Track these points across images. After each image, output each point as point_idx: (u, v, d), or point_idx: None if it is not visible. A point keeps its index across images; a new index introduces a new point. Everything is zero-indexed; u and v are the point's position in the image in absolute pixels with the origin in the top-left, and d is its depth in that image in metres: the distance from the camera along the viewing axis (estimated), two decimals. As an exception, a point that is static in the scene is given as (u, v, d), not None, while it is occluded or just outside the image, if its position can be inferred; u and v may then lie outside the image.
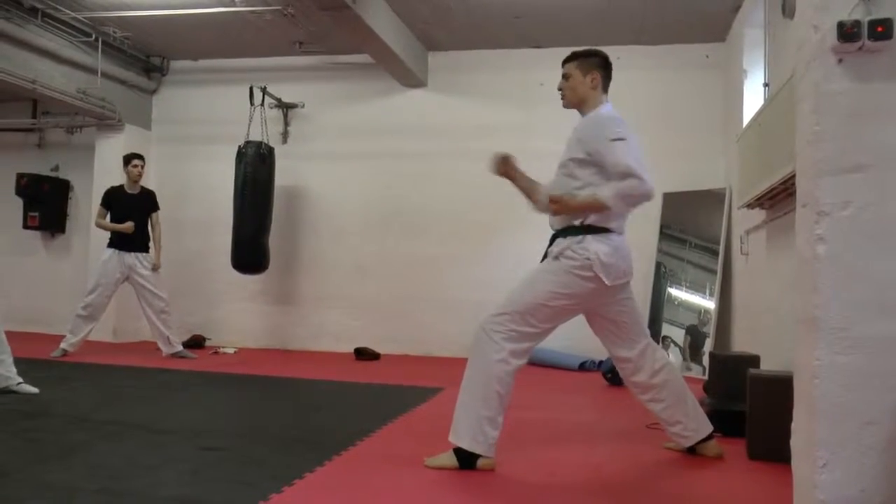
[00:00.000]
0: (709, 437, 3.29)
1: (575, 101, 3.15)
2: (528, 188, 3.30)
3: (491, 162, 3.30)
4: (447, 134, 7.16)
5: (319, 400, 4.84)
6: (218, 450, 3.22)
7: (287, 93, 7.52)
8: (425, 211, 7.30)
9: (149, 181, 6.73)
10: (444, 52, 7.38)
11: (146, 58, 7.79)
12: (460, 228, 7.22)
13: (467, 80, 7.32)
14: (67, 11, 6.51)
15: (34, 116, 8.20)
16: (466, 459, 2.96)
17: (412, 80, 7.24)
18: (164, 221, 6.61)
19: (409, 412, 4.24)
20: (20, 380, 4.40)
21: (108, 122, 7.51)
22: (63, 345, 6.18)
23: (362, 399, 4.85)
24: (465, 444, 2.95)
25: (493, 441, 2.96)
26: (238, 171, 6.85)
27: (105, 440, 3.37)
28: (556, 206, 3.03)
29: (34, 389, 4.39)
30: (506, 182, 3.36)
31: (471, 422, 2.95)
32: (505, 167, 3.29)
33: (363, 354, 6.88)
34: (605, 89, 3.18)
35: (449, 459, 2.99)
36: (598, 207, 2.93)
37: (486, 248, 7.11)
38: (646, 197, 2.89)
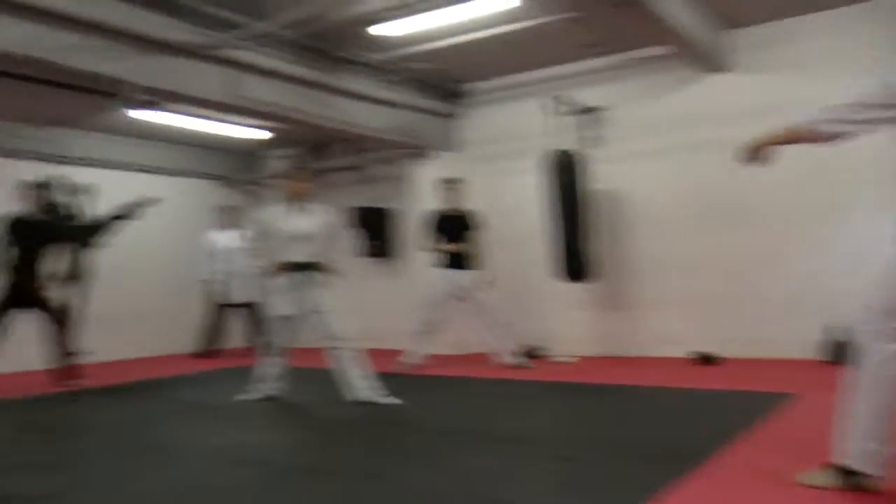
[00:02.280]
0: None
1: None
2: (794, 136, 2.94)
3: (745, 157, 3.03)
4: (761, 116, 6.45)
5: (661, 408, 4.68)
6: (574, 460, 3.25)
7: (584, 97, 7.49)
8: (746, 202, 6.76)
9: (464, 200, 7.09)
10: (749, 27, 6.81)
11: (446, 85, 8.27)
12: (790, 217, 6.56)
13: (779, 54, 6.66)
14: (374, 55, 7.13)
15: (356, 154, 9.15)
16: (849, 478, 2.64)
17: (714, 64, 6.79)
18: (483, 237, 6.92)
19: (761, 421, 3.92)
20: (379, 392, 4.88)
21: (419, 152, 8.11)
22: (405, 358, 6.76)
23: (706, 407, 4.59)
24: (849, 461, 2.63)
25: (881, 458, 2.60)
26: (547, 182, 6.97)
27: (466, 448, 3.58)
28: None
29: (393, 401, 4.83)
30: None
31: (853, 435, 2.62)
32: (759, 156, 3.02)
33: (701, 358, 6.55)
34: None
35: (828, 478, 2.69)
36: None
37: (823, 236, 6.37)
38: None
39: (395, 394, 4.92)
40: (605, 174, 7.30)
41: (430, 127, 8.11)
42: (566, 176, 6.91)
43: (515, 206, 7.96)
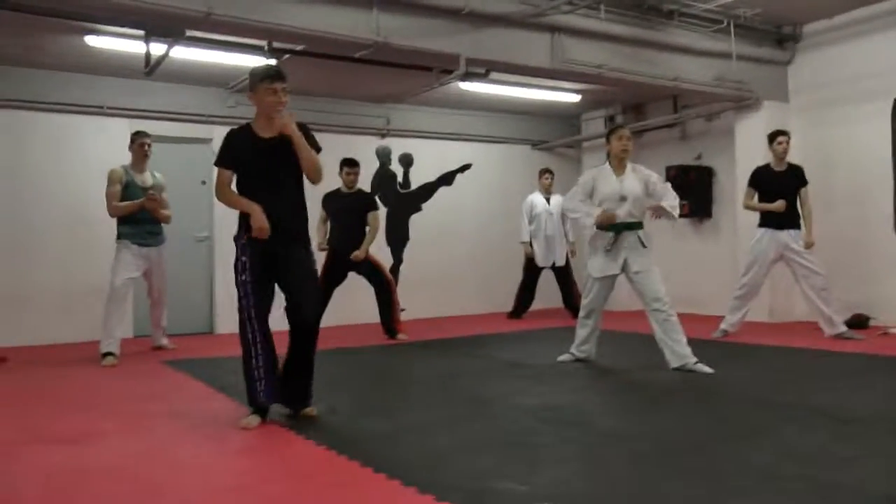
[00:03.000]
0: None
1: None
2: None
3: None
4: None
5: None
6: (927, 448, 2.83)
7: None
8: None
9: (792, 154, 6.45)
10: None
11: (777, 29, 7.55)
12: None
13: None
14: (699, 5, 6.74)
15: (675, 111, 8.79)
16: None
17: None
18: (811, 194, 6.27)
19: None
20: (696, 359, 4.70)
21: (745, 104, 7.54)
22: (723, 325, 6.40)
23: None
24: None
25: None
26: (895, 128, 6.07)
27: (790, 424, 3.31)
28: None
29: (709, 369, 4.62)
30: None
31: None
32: None
33: None
34: None
35: None
36: None
37: None
38: None
39: (708, 362, 4.71)
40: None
41: (759, 76, 7.47)
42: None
43: (852, 158, 7.11)
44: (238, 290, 3.56)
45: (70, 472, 2.83)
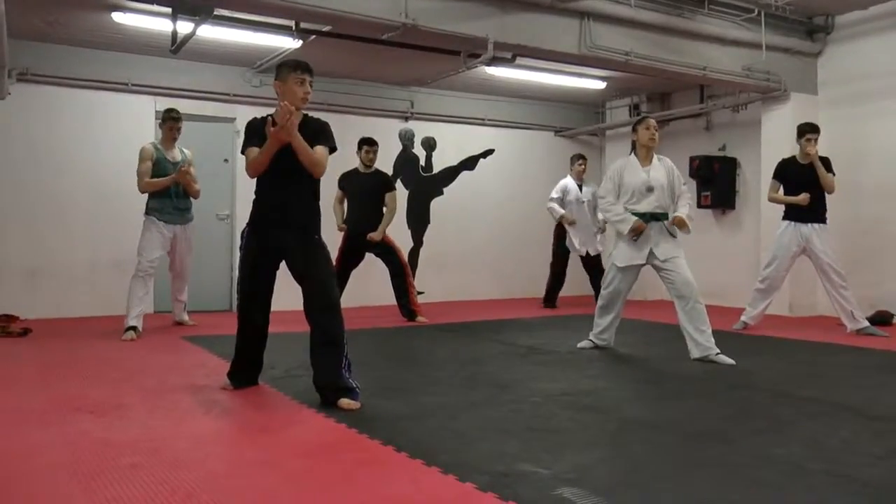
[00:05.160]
0: None
1: None
2: None
3: None
4: None
5: None
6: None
7: None
8: None
9: (818, 147, 6.35)
10: None
11: (808, 20, 7.44)
12: None
13: None
14: (730, -8, 6.65)
15: (701, 101, 8.69)
16: None
17: None
18: (837, 186, 6.19)
19: None
20: (718, 350, 4.67)
21: (773, 95, 7.44)
22: (743, 317, 6.35)
23: None
24: None
25: None
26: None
27: (815, 418, 3.28)
28: None
29: (731, 361, 4.60)
30: None
31: None
32: None
33: None
34: None
35: None
36: None
37: None
38: None
39: (728, 353, 4.68)
40: None
41: (788, 67, 7.37)
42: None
43: (881, 153, 7.02)
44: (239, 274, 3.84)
45: (96, 444, 2.86)
